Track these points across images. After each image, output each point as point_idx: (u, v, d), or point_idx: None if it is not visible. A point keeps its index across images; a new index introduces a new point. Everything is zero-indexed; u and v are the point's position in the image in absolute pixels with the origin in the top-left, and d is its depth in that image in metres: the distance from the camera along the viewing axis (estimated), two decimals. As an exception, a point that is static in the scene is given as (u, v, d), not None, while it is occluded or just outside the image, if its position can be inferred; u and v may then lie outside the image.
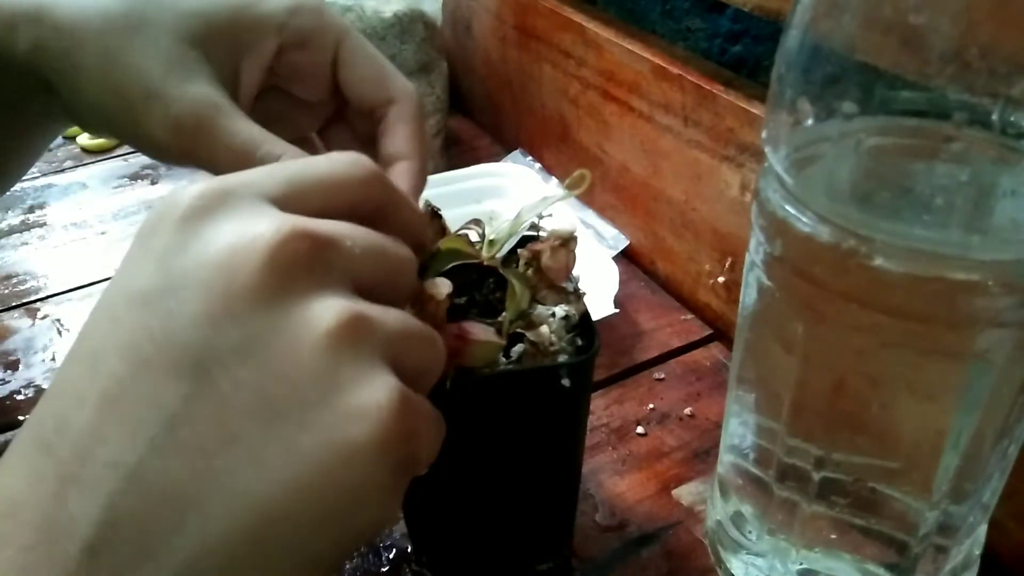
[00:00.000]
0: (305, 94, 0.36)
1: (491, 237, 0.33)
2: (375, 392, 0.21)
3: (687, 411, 0.52)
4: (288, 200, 0.23)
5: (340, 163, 0.24)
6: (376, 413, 0.21)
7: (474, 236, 0.35)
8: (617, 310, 0.55)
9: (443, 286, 0.30)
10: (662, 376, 0.55)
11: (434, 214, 0.36)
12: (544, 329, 0.32)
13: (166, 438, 0.19)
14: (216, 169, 0.31)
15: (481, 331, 0.31)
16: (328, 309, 0.21)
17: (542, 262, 0.34)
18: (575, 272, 0.35)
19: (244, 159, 0.31)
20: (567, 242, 0.33)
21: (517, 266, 0.34)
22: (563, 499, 0.40)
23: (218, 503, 0.19)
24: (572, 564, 0.43)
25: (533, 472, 0.37)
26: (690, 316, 0.60)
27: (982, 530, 0.36)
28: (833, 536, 0.35)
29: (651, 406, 0.53)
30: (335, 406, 0.21)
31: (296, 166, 0.24)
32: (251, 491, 0.20)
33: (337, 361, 0.21)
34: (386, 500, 0.22)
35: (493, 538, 0.41)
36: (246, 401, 0.20)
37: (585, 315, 0.34)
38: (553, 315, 0.33)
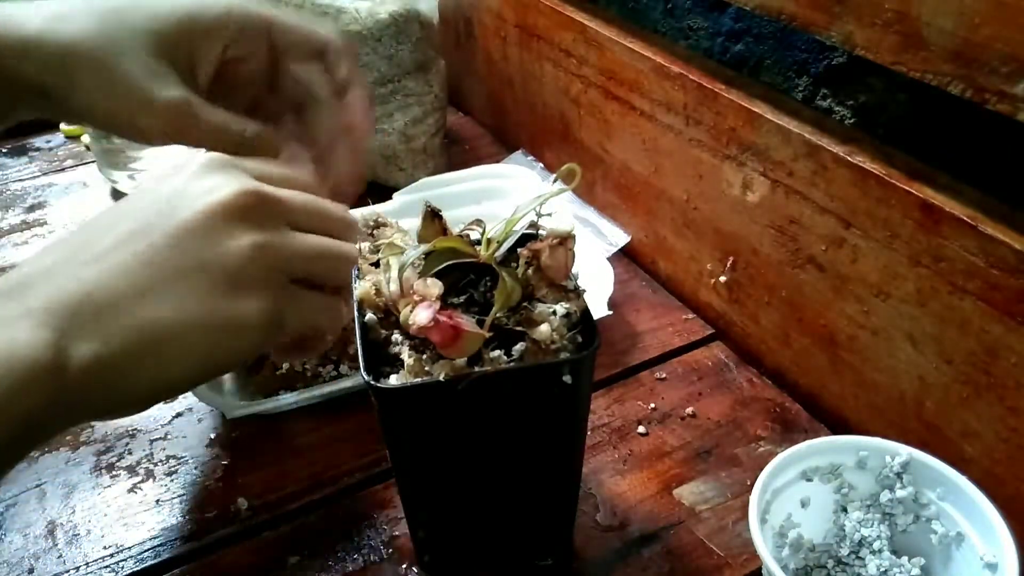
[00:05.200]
0: (251, 73, 0.44)
1: (488, 236, 0.33)
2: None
3: (689, 410, 0.52)
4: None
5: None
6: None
7: (475, 236, 0.35)
8: (610, 312, 0.55)
9: (434, 287, 0.31)
10: (663, 376, 0.55)
11: (434, 214, 0.36)
12: (545, 327, 0.32)
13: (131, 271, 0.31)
14: (200, 144, 0.40)
15: (466, 323, 0.31)
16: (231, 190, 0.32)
17: (541, 261, 0.34)
18: (574, 270, 0.35)
19: (221, 135, 0.39)
20: (565, 240, 0.33)
21: (517, 265, 0.34)
22: (564, 495, 0.40)
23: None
24: (572, 561, 0.43)
25: (534, 468, 0.37)
26: (691, 315, 0.60)
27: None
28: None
29: (652, 406, 0.53)
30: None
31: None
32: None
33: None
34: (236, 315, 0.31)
35: (494, 534, 0.41)
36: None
37: (585, 313, 0.34)
38: (554, 313, 0.33)
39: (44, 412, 0.28)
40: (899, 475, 0.38)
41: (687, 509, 0.46)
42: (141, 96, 0.39)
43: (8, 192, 0.79)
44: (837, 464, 0.40)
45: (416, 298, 0.31)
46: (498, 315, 0.32)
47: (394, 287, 0.33)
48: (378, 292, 0.35)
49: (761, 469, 0.38)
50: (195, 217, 0.32)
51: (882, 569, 0.38)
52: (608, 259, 0.61)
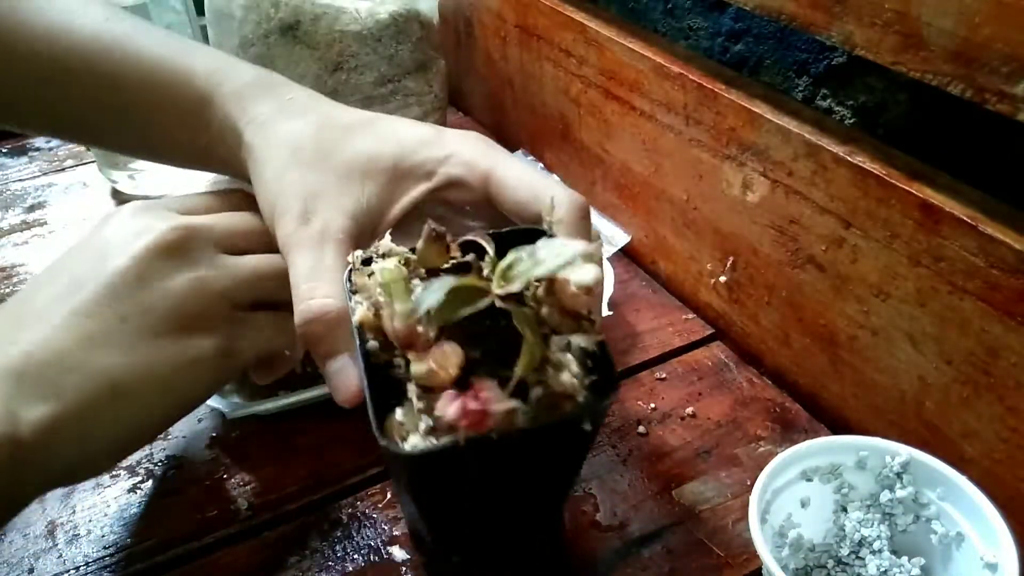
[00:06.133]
0: (460, 214, 0.40)
1: (502, 267, 0.29)
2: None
3: (688, 411, 0.52)
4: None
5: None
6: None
7: (475, 249, 0.32)
8: (611, 313, 0.55)
9: (453, 356, 0.28)
10: (663, 375, 0.55)
11: (438, 236, 0.32)
12: (566, 376, 0.30)
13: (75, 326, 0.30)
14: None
15: (495, 397, 0.28)
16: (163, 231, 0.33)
17: (562, 301, 0.30)
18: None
19: (292, 284, 0.34)
20: (591, 290, 0.29)
21: (530, 292, 0.31)
22: (559, 505, 0.40)
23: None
24: (570, 560, 0.43)
25: (538, 493, 0.37)
26: (691, 315, 0.60)
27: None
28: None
29: (652, 405, 0.53)
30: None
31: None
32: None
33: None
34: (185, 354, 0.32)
35: (494, 537, 0.41)
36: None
37: (602, 346, 0.31)
38: (569, 345, 0.30)
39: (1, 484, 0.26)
40: (899, 475, 0.38)
41: (687, 509, 0.46)
42: (275, 215, 0.35)
43: (8, 192, 0.79)
44: (837, 464, 0.40)
45: (433, 365, 0.28)
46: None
47: (398, 325, 0.30)
48: (376, 314, 0.32)
49: (761, 469, 0.38)
50: (127, 263, 0.31)
51: (882, 569, 0.38)
52: (608, 259, 0.61)
